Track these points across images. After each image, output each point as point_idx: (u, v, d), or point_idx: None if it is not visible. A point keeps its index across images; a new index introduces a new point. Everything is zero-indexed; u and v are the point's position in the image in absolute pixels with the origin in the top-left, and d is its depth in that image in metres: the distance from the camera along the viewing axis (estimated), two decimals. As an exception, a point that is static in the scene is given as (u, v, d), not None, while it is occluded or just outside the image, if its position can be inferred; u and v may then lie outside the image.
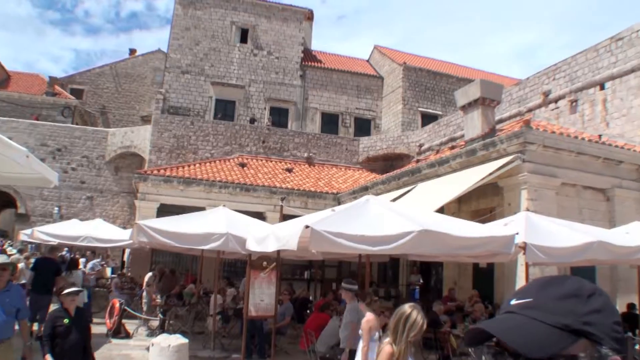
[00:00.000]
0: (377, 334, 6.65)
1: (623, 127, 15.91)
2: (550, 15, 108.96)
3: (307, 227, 6.81)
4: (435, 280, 19.08)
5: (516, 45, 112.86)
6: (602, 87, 16.92)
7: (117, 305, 13.31)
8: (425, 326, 4.24)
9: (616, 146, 14.34)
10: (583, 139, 13.86)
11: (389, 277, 21.62)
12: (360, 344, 6.62)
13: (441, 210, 12.32)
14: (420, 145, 26.02)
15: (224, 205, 12.93)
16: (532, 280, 1.08)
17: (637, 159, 14.62)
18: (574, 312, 0.94)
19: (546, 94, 19.01)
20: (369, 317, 6.73)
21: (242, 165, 24.93)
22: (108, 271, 24.39)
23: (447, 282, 17.08)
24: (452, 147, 18.83)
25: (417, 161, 20.41)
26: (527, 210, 10.98)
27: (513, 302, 1.04)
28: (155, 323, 14.61)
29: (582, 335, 0.93)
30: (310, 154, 27.61)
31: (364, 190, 19.30)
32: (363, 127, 33.18)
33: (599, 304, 0.96)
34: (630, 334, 10.85)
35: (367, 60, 38.49)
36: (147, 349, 9.34)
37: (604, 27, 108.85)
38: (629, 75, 16.02)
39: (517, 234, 8.00)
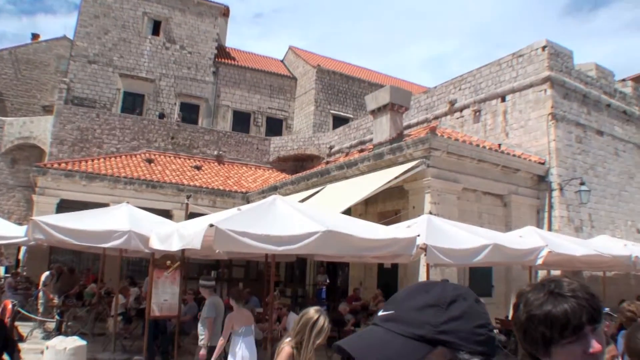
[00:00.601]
0: (242, 329, 6.94)
1: (521, 137, 16.87)
2: (461, 28, 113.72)
3: (211, 225, 6.73)
4: (341, 280, 19.38)
5: (427, 54, 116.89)
6: (504, 100, 17.87)
7: (10, 306, 12.51)
8: (329, 330, 4.19)
9: (514, 155, 15.19)
10: (484, 147, 14.56)
11: (296, 277, 21.73)
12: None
13: (348, 212, 12.55)
14: (331, 147, 26.37)
15: (127, 202, 12.52)
16: (402, 289, 1.11)
17: (532, 168, 15.56)
18: (430, 322, 0.97)
19: (452, 102, 19.82)
20: (233, 312, 7.04)
21: (149, 161, 24.24)
22: (1, 270, 22.97)
23: (352, 282, 17.41)
24: (361, 150, 19.21)
25: (327, 163, 20.67)
26: (430, 213, 11.41)
27: (380, 313, 1.06)
28: (52, 325, 13.87)
29: (439, 344, 0.96)
30: (220, 152, 27.27)
31: (274, 190, 19.30)
32: (275, 127, 33.18)
33: (459, 310, 0.99)
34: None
35: (282, 61, 38.54)
36: (42, 352, 8.85)
37: (508, 43, 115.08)
38: (528, 89, 17.02)
39: (418, 235, 8.28)
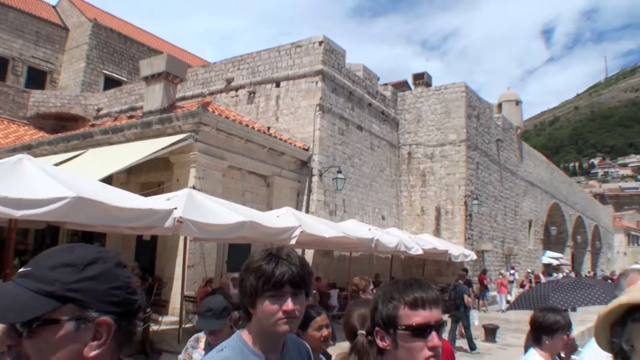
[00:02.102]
0: None
1: (290, 123, 17.69)
2: (250, 9, 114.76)
3: None
4: (96, 251, 18.37)
5: (213, 28, 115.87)
6: (278, 85, 18.54)
7: None
8: None
9: (281, 139, 15.85)
10: (253, 128, 14.96)
11: (46, 246, 20.02)
12: None
13: (109, 180, 11.95)
14: (99, 110, 24.79)
15: None
16: (48, 250, 1.13)
17: (297, 153, 16.42)
18: (61, 280, 1.01)
19: (229, 81, 19.96)
20: None
21: None
22: None
23: (108, 253, 16.57)
24: (131, 117, 18.37)
25: (93, 125, 19.36)
26: (194, 187, 11.38)
27: (21, 270, 1.08)
28: None
29: (69, 301, 1.01)
30: (-33, 100, 23.86)
31: (27, 148, 17.47)
32: (37, 78, 29.84)
33: (95, 272, 1.04)
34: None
35: (55, 7, 34.94)
36: None
37: (293, 33, 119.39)
38: (301, 79, 17.89)
39: (175, 208, 8.19)
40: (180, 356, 3.92)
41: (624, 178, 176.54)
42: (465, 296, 12.15)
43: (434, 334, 1.47)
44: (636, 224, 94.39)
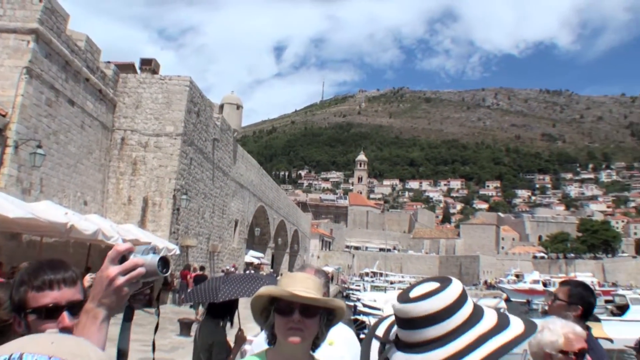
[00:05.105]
0: None
1: (-12, 83, 15.46)
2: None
3: None
4: None
5: None
6: (-18, 36, 16.11)
7: None
8: None
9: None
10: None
11: None
12: None
13: None
14: None
15: None
16: None
17: (-9, 117, 14.41)
18: None
19: None
20: None
21: None
22: None
23: None
24: None
25: None
26: None
27: None
28: None
29: None
30: None
31: None
32: None
33: None
34: None
35: None
36: None
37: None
38: (10, 34, 15.86)
39: None
40: None
41: (324, 190, 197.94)
42: None
43: (64, 314, 1.43)
44: (330, 231, 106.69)
